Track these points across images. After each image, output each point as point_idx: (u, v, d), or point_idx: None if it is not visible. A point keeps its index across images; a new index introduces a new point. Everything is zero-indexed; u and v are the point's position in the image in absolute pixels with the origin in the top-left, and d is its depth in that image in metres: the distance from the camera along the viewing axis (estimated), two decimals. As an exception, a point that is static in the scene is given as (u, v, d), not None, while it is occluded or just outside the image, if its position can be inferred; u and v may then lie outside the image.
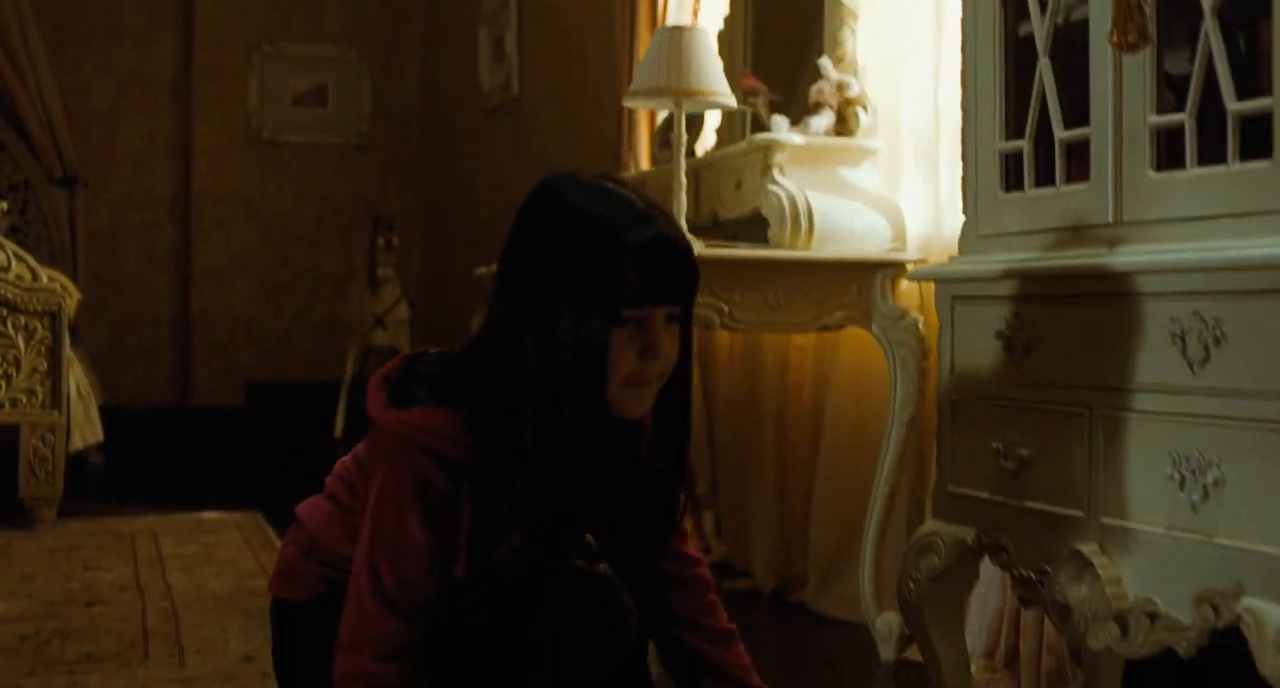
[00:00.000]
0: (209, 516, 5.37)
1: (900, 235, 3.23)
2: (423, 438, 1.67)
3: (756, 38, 4.29)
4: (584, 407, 1.62)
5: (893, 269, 3.14)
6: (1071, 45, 1.98)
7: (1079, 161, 1.96)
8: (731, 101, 3.26)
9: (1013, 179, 2.09)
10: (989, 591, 2.85)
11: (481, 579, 1.77)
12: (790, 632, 3.53)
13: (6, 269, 5.04)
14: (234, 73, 8.40)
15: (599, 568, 1.95)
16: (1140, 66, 1.83)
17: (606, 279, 1.60)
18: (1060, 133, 1.98)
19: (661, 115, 4.48)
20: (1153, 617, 1.77)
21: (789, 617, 3.63)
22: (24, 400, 5.02)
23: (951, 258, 2.22)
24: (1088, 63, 1.92)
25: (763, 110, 3.65)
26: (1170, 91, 1.87)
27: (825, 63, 3.43)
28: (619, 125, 4.95)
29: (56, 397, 5.08)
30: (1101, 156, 1.89)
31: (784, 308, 3.09)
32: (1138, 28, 1.79)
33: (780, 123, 3.38)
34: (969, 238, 2.16)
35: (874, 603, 3.11)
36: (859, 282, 3.14)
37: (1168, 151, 1.83)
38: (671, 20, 4.51)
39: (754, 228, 3.38)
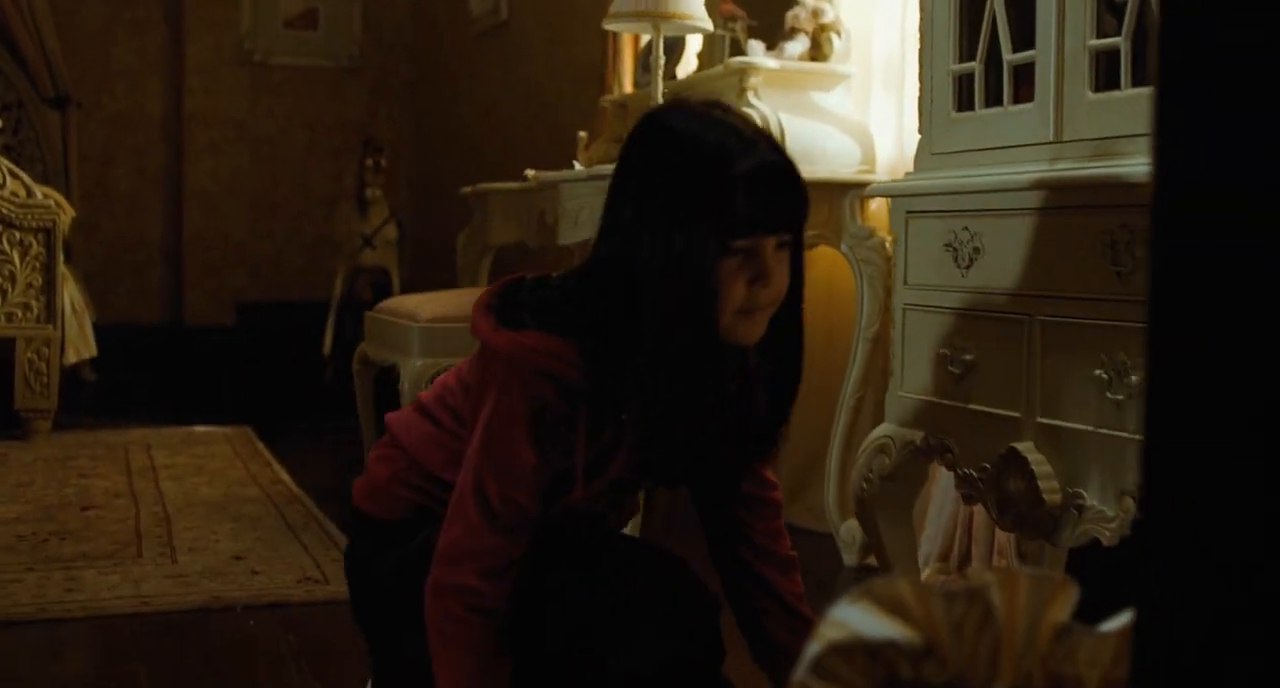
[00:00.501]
0: (200, 429, 5.50)
1: (870, 158, 3.34)
2: (539, 361, 1.66)
3: (738, -36, 4.36)
4: (697, 335, 1.62)
5: (862, 190, 3.24)
6: (1022, -29, 2.08)
7: (1026, 83, 2.06)
8: (708, 25, 3.36)
9: (965, 100, 2.20)
10: (944, 499, 2.99)
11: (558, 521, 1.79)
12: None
13: (2, 186, 5.13)
14: (226, -7, 8.45)
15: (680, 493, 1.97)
16: (1083, -8, 1.94)
17: (717, 207, 1.59)
18: (1008, 56, 2.09)
19: (645, 40, 4.56)
20: (1080, 510, 1.90)
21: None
22: (19, 315, 5.13)
23: (907, 174, 2.33)
24: (1036, -12, 2.02)
25: (741, 35, 3.75)
26: (1113, 16, 1.97)
27: (801, -11, 3.52)
28: (604, 49, 5.04)
29: (51, 311, 5.19)
30: (1045, 78, 2.00)
31: (756, 227, 3.19)
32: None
33: (756, 47, 3.48)
34: (924, 155, 2.27)
35: (838, 512, 3.25)
36: (830, 202, 3.24)
37: (1106, 73, 1.93)
38: (655, -54, 4.58)
39: (730, 149, 3.48)
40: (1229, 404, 0.57)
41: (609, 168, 3.22)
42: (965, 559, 2.92)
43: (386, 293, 6.76)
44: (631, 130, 1.73)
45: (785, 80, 3.39)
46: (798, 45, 3.47)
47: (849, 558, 3.23)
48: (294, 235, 8.54)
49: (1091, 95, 1.92)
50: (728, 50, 3.89)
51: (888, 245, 3.20)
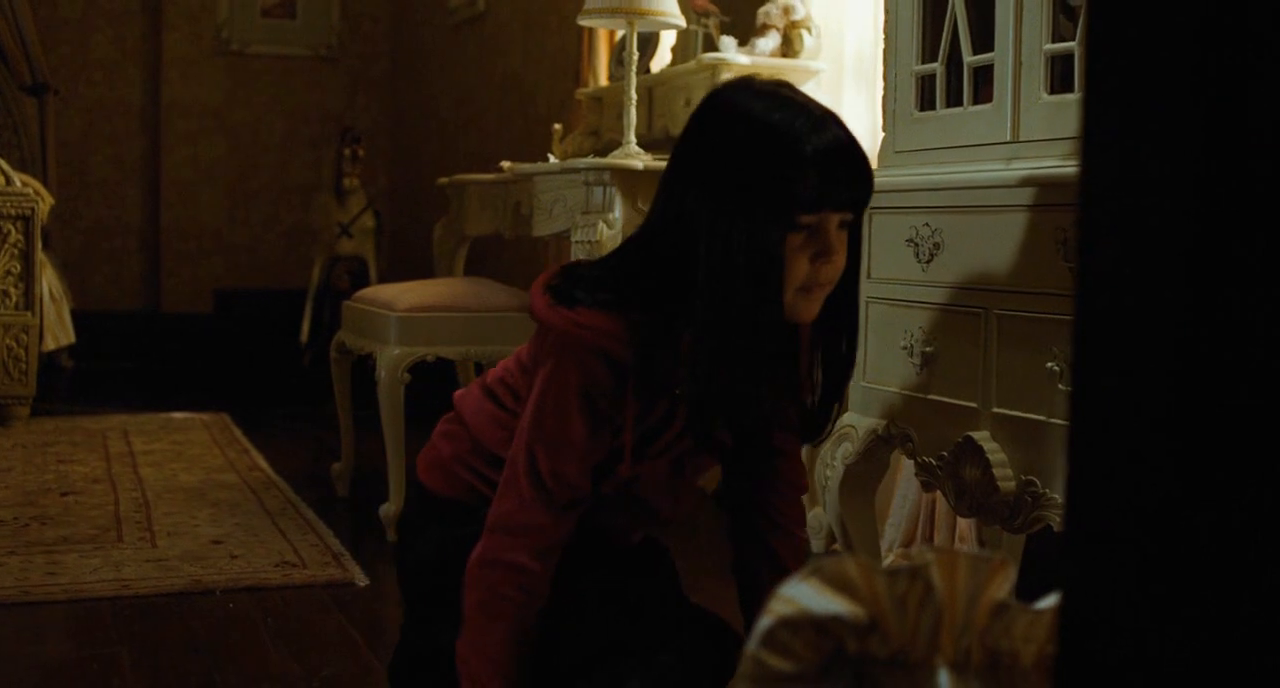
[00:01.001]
0: (178, 416, 5.54)
1: (839, 153, 3.39)
2: (590, 337, 1.68)
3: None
4: (759, 310, 1.63)
5: (831, 185, 3.30)
6: (982, -24, 2.15)
7: (985, 85, 2.13)
8: (681, 22, 3.42)
9: (927, 100, 2.27)
10: (908, 487, 3.06)
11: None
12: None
13: (-19, 173, 5.17)
14: (203, -18, 8.47)
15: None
16: (1039, -3, 2.01)
17: (786, 184, 1.59)
18: (969, 58, 2.16)
19: (620, 34, 4.62)
20: (1034, 497, 1.97)
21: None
22: (-2, 302, 5.17)
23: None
24: (995, -7, 2.09)
25: (714, 31, 3.81)
26: (1069, 20, 2.04)
27: (773, -14, 3.58)
28: (579, 43, 5.10)
29: (30, 298, 5.23)
30: (1003, 80, 2.06)
31: (727, 219, 3.25)
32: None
33: (729, 43, 3.54)
34: (887, 153, 2.34)
35: (805, 500, 3.31)
36: (799, 196, 3.30)
37: (1061, 76, 2.00)
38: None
39: (702, 143, 3.54)
40: (1147, 394, 0.61)
41: (583, 161, 3.29)
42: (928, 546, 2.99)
43: (363, 282, 6.81)
44: (696, 109, 1.73)
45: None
46: (769, 42, 3.53)
47: (815, 544, 3.30)
48: (271, 224, 8.58)
49: (1047, 97, 1.99)
50: (700, 46, 3.95)
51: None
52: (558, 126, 4.63)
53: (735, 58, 3.45)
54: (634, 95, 3.38)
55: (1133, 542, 0.62)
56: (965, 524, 2.86)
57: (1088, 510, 0.65)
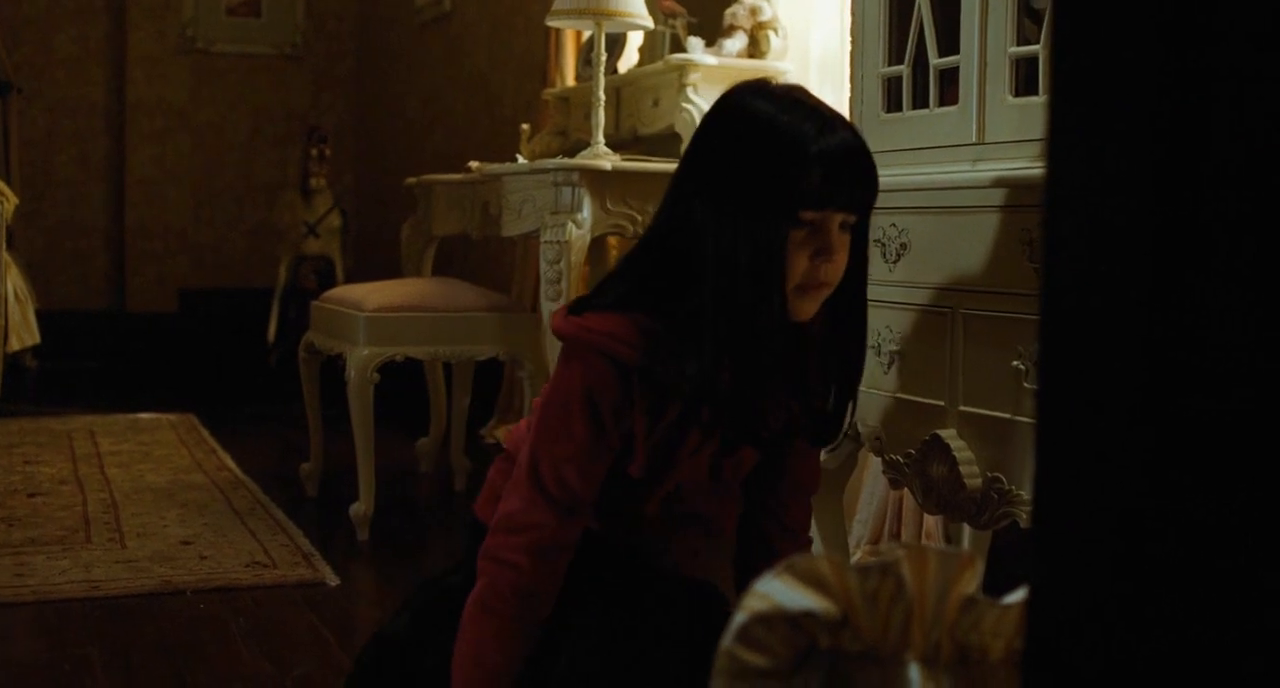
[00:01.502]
0: (145, 416, 5.53)
1: (806, 153, 3.42)
2: (595, 339, 1.69)
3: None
4: (759, 305, 1.64)
5: (797, 185, 3.33)
6: (947, -21, 2.17)
7: (951, 87, 2.16)
8: (649, 23, 3.43)
9: (893, 101, 2.29)
10: (875, 485, 3.08)
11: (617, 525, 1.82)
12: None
13: (-55, 173, 5.15)
14: (167, -19, 8.43)
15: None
16: (1004, 0, 2.03)
17: (790, 180, 1.61)
18: (934, 60, 2.18)
19: (587, 35, 4.63)
20: (1000, 494, 1.99)
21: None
22: (-37, 302, 5.15)
23: (839, 173, 2.42)
24: (960, -4, 2.12)
25: (681, 32, 3.83)
26: (1033, 23, 2.07)
27: (740, -13, 3.61)
28: (546, 43, 5.11)
29: (-6, 299, 5.21)
30: (968, 82, 2.09)
31: (695, 219, 3.28)
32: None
33: (696, 44, 3.56)
34: (854, 154, 2.35)
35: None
36: (766, 196, 3.32)
37: (1026, 79, 2.03)
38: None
39: (670, 143, 3.57)
40: (1112, 394, 0.62)
41: (552, 162, 3.30)
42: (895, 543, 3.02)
43: (330, 281, 6.80)
44: (707, 111, 1.75)
45: (724, 77, 3.47)
46: (736, 42, 3.55)
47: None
48: (237, 223, 8.55)
49: (1012, 99, 2.02)
50: (668, 47, 3.97)
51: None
52: (525, 127, 4.64)
53: (703, 58, 3.48)
54: (602, 96, 3.40)
55: (1099, 539, 0.63)
56: (932, 521, 2.88)
57: (1055, 508, 0.66)
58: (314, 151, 7.25)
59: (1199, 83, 0.58)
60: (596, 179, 3.17)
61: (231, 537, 3.46)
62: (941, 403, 2.10)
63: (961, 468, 2.04)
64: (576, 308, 1.75)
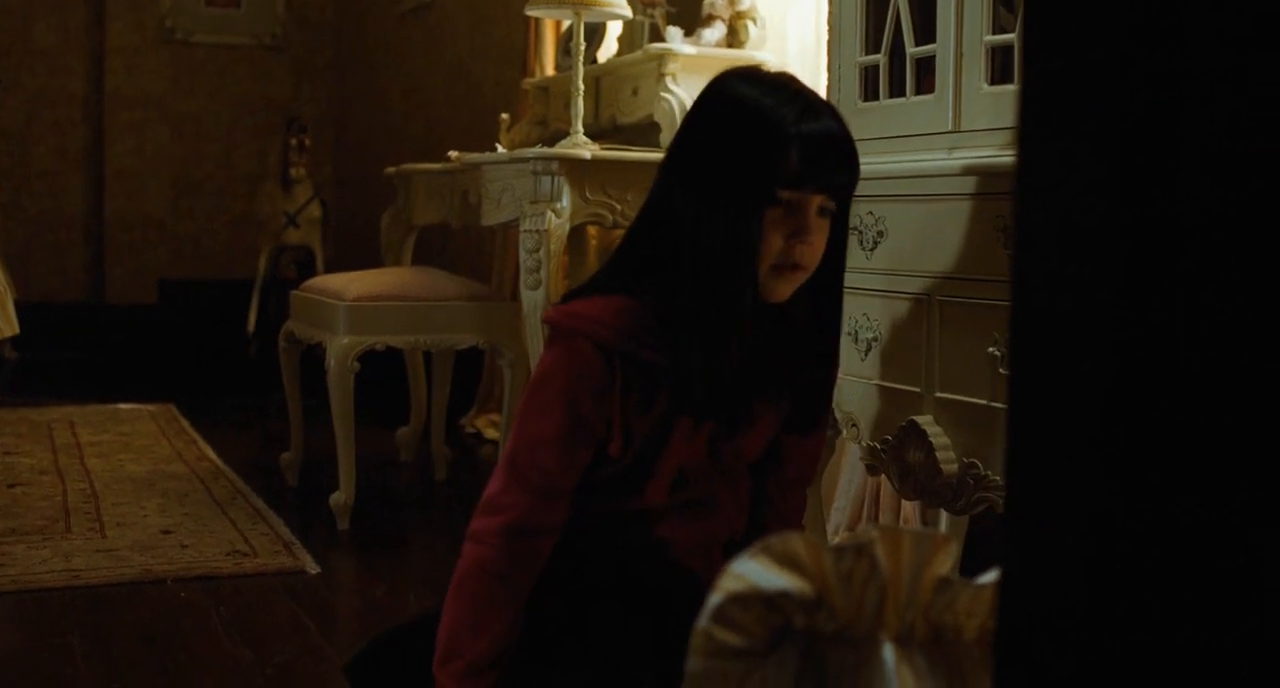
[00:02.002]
0: (125, 407, 5.52)
1: (785, 142, 3.43)
2: (578, 324, 1.70)
3: (658, -50, 4.45)
4: (733, 281, 1.65)
5: (776, 174, 3.34)
6: (923, -32, 2.18)
7: (927, 75, 2.17)
8: (628, 12, 3.44)
9: (870, 90, 2.31)
10: (853, 471, 3.10)
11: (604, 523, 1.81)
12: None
13: (-77, 164, 5.12)
14: (146, -29, 8.41)
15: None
16: (980, -10, 2.05)
17: (768, 158, 1.63)
18: (911, 49, 2.19)
19: (566, 24, 4.64)
20: (976, 479, 2.01)
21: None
22: (-59, 293, 5.13)
23: (816, 161, 2.43)
24: (936, -15, 2.13)
25: (660, 21, 3.84)
26: (1009, 12, 2.08)
27: (719, -23, 3.61)
28: (526, 32, 5.11)
29: (-27, 290, 5.19)
30: (945, 71, 2.10)
31: (674, 208, 3.29)
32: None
33: (675, 34, 3.57)
34: (832, 143, 2.37)
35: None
36: (745, 185, 3.33)
37: (1001, 67, 2.04)
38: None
39: (649, 133, 3.58)
40: (1082, 393, 0.62)
41: (531, 151, 3.31)
42: (874, 529, 3.03)
43: (310, 271, 6.80)
44: (697, 96, 1.76)
45: (702, 66, 3.48)
46: (715, 32, 3.56)
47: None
48: (217, 214, 8.54)
49: (987, 88, 2.03)
50: (647, 36, 3.98)
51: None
52: (505, 116, 4.65)
53: (681, 48, 3.48)
54: (581, 85, 3.40)
55: (1068, 540, 0.63)
56: (909, 507, 2.90)
57: (1025, 509, 0.67)
58: (294, 142, 7.25)
59: (1168, 83, 0.59)
60: (576, 168, 3.17)
61: (212, 526, 3.46)
62: (918, 389, 2.12)
63: (938, 454, 2.05)
64: (565, 297, 1.77)
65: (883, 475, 2.35)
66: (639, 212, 1.80)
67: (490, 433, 5.05)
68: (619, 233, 4.38)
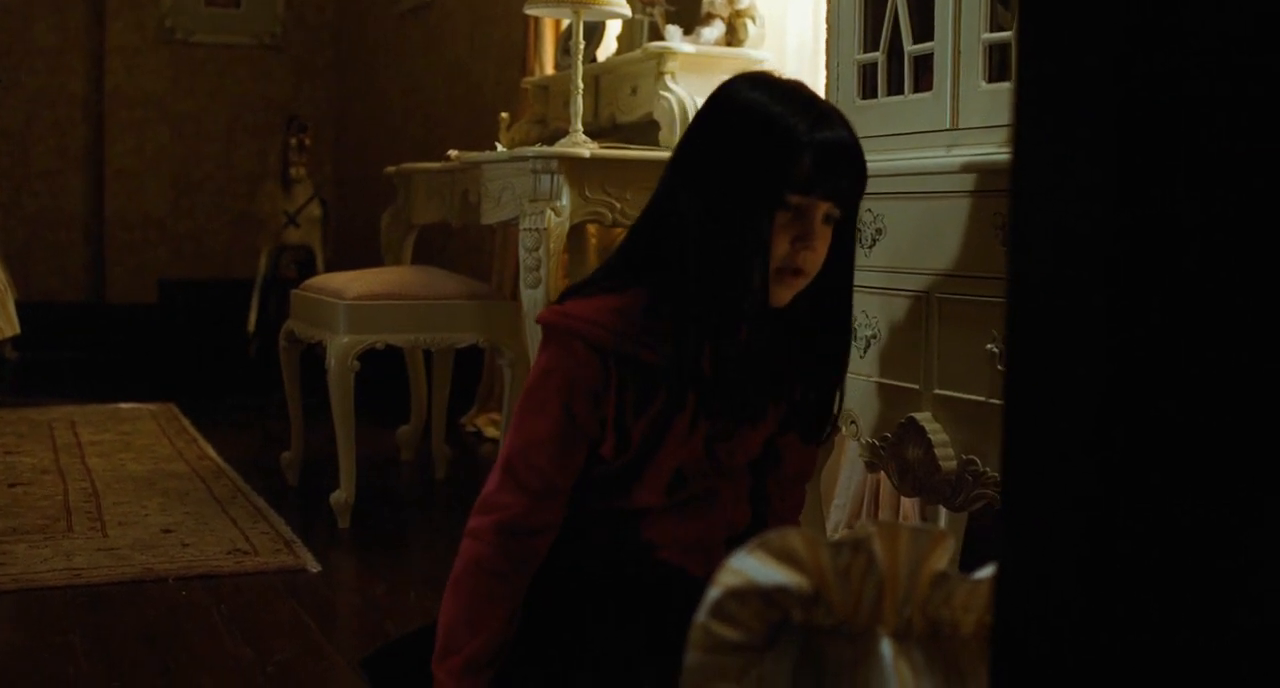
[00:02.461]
0: (125, 406, 5.53)
1: (784, 140, 3.44)
2: (573, 324, 1.71)
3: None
4: (738, 283, 1.66)
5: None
6: (921, -33, 2.19)
7: (925, 73, 2.17)
8: (627, 11, 3.44)
9: (869, 88, 2.31)
10: (852, 469, 3.10)
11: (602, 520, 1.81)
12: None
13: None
14: (146, -29, 8.41)
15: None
16: (977, -13, 2.05)
17: (780, 163, 1.63)
18: (909, 47, 2.20)
19: (566, 23, 4.64)
20: (975, 476, 2.01)
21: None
22: (-58, 293, 5.13)
23: (815, 159, 2.43)
24: (934, -17, 2.13)
25: (659, 20, 3.84)
26: (1007, 10, 2.08)
27: (717, -25, 3.62)
28: (526, 31, 5.11)
29: (-26, 290, 5.19)
30: (943, 69, 2.11)
31: (673, 207, 3.29)
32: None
33: (674, 32, 3.57)
34: (830, 141, 2.37)
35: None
36: (744, 183, 3.34)
37: (999, 65, 2.05)
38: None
39: (648, 131, 3.58)
40: (1076, 379, 0.62)
41: (531, 149, 3.31)
42: (873, 527, 3.04)
43: (310, 271, 6.80)
44: (705, 100, 1.77)
45: (702, 65, 3.49)
46: (714, 31, 3.57)
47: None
48: (217, 213, 8.54)
49: (985, 85, 2.03)
50: (646, 35, 3.98)
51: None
52: (504, 115, 4.65)
53: (680, 46, 3.49)
54: (581, 84, 3.40)
55: (1064, 522, 0.64)
56: (909, 504, 2.90)
57: (1022, 510, 0.67)
58: (294, 141, 7.25)
59: (1164, 86, 0.59)
60: (575, 167, 3.18)
61: (213, 525, 3.47)
62: (917, 387, 2.12)
63: (937, 450, 2.05)
64: (561, 297, 1.78)
65: (882, 473, 2.36)
66: (642, 212, 1.80)
67: (490, 432, 5.06)
68: (619, 231, 4.39)
